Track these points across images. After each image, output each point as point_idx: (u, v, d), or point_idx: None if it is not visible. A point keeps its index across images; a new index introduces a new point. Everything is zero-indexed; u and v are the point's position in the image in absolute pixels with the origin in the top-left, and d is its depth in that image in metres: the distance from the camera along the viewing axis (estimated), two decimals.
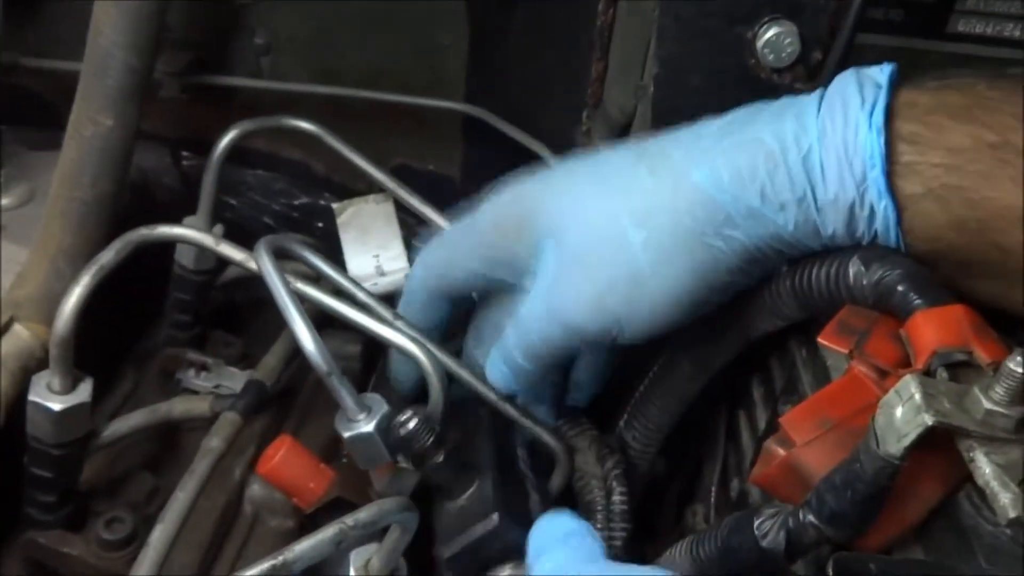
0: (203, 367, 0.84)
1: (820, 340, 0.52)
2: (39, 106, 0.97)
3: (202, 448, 0.60)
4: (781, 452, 0.50)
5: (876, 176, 0.50)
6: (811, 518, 0.47)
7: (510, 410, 0.66)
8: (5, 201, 0.80)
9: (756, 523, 0.48)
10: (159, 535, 0.53)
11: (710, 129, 0.58)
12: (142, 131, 0.72)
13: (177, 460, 0.81)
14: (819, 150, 0.51)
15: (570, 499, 0.73)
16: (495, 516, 0.58)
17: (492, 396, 0.65)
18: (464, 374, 0.64)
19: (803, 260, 0.59)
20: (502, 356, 0.65)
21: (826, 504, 0.46)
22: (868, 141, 0.49)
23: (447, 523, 0.60)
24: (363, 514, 0.47)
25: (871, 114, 0.50)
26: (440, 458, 0.57)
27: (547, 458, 0.72)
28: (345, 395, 0.53)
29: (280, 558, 0.43)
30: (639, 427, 0.74)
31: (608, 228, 0.57)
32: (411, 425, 0.56)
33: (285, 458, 0.66)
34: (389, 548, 0.53)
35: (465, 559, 0.57)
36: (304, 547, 0.44)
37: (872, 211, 0.51)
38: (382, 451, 0.56)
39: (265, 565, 0.43)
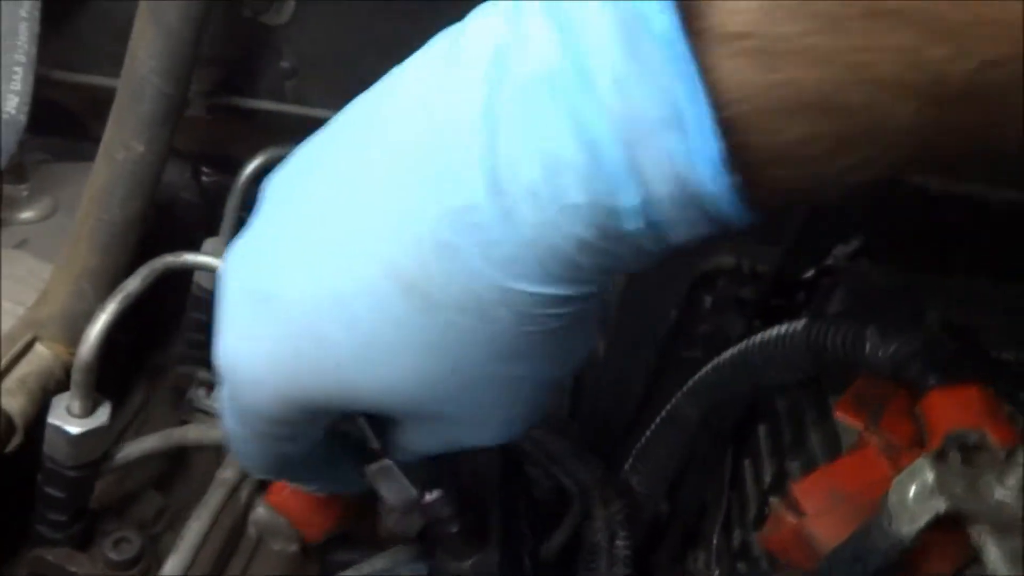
0: (214, 387, 0.85)
1: (837, 414, 0.53)
2: (65, 117, 0.98)
3: (216, 479, 0.60)
4: (791, 520, 0.51)
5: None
6: None
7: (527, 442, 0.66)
8: (29, 215, 0.80)
9: None
10: (172, 566, 0.54)
11: None
12: None
13: (185, 480, 0.82)
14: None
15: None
16: None
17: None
18: None
19: (818, 321, 0.60)
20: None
21: None
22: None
23: None
24: (379, 561, 0.47)
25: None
26: (454, 528, 0.57)
27: (548, 508, 0.73)
28: (365, 427, 0.53)
29: None
30: (644, 472, 0.75)
31: None
32: (431, 497, 0.55)
33: (295, 490, 0.67)
34: None
35: None
36: None
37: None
38: (405, 485, 0.56)
39: None
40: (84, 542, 0.71)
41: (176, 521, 0.75)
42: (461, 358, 0.37)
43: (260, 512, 0.85)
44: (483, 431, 0.44)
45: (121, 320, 0.61)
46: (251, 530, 0.84)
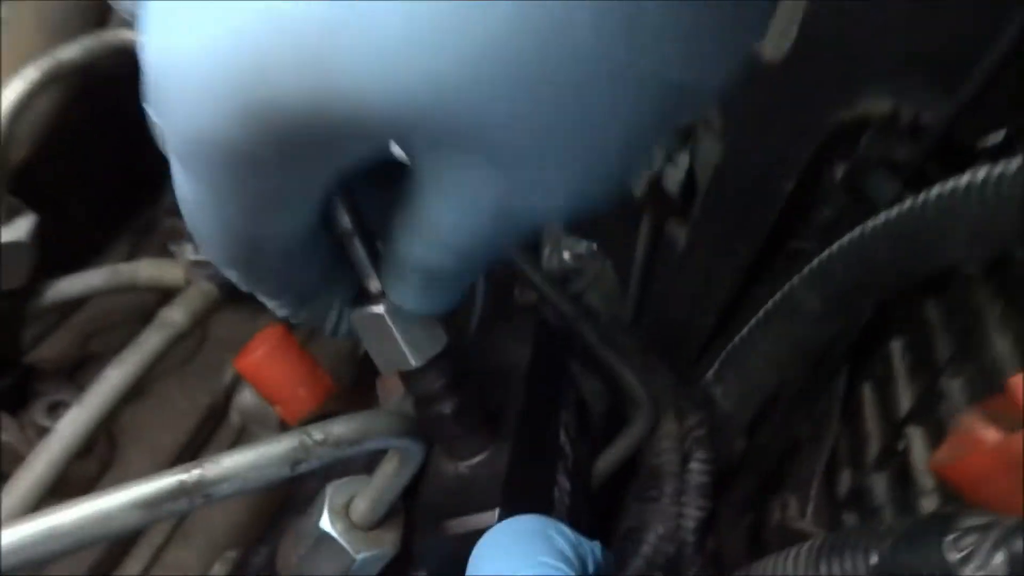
0: None
1: None
2: None
3: (158, 318, 0.44)
4: (995, 435, 0.32)
5: None
6: None
7: (588, 331, 0.48)
8: None
9: (948, 540, 0.30)
10: (70, 420, 0.38)
11: None
12: None
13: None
14: None
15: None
16: (496, 513, 0.40)
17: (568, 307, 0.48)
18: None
19: None
20: None
21: None
22: None
23: (439, 488, 0.43)
24: (339, 426, 0.31)
25: None
26: (448, 409, 0.40)
27: (599, 421, 0.55)
28: (363, 256, 0.35)
29: (194, 472, 0.27)
30: (734, 381, 0.56)
31: None
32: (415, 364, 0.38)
33: (271, 354, 0.51)
34: (381, 485, 0.37)
35: (445, 551, 0.40)
36: (235, 462, 0.28)
37: None
38: (398, 346, 0.39)
39: (171, 479, 0.27)
40: (15, 403, 0.56)
41: (136, 393, 0.60)
42: (551, 35, 0.22)
43: (246, 396, 0.70)
44: (544, 186, 0.27)
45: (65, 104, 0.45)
46: (233, 417, 0.69)
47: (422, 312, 0.33)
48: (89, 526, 0.25)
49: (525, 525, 0.34)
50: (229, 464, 0.28)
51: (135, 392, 0.44)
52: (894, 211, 0.45)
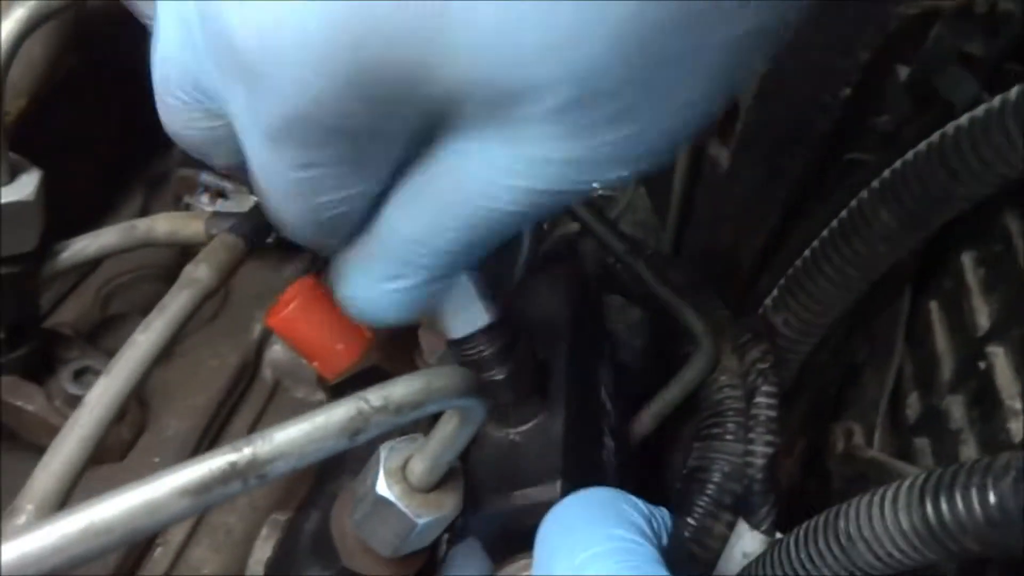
0: (219, 193, 0.67)
1: None
2: None
3: (183, 277, 0.41)
4: None
5: None
6: None
7: (642, 268, 0.45)
8: None
9: None
10: (100, 391, 0.35)
11: None
12: None
13: None
14: None
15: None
16: (558, 484, 0.38)
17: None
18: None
19: None
20: None
21: None
22: None
23: (489, 456, 0.41)
24: (398, 388, 0.27)
25: None
26: (501, 375, 0.38)
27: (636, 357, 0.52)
28: None
29: (245, 451, 0.24)
30: (798, 308, 0.52)
31: None
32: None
33: (304, 307, 0.48)
34: (439, 446, 0.34)
35: (502, 523, 0.38)
36: (288, 437, 0.25)
37: None
38: (478, 307, 0.36)
39: (220, 460, 0.24)
40: (37, 372, 0.54)
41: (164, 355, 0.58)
42: None
43: (277, 350, 0.67)
44: (659, 114, 0.25)
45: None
46: (267, 373, 0.67)
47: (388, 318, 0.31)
48: (134, 519, 0.22)
49: (595, 497, 0.32)
50: (282, 440, 0.25)
51: (163, 354, 0.42)
52: (980, 111, 0.41)
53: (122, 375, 0.37)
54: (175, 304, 0.40)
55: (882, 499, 0.35)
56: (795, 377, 0.66)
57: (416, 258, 0.30)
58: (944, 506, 0.31)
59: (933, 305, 0.57)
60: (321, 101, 0.25)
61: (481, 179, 0.27)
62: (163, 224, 0.49)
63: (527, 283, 0.49)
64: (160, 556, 0.53)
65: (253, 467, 0.24)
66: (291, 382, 0.67)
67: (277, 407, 0.65)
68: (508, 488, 0.39)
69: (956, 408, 0.51)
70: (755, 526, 0.48)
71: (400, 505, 0.36)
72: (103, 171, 0.75)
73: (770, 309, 0.54)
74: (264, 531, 0.52)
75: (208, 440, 0.60)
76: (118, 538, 0.22)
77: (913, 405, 0.57)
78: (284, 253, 0.75)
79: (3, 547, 0.21)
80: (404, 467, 0.37)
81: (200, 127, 0.31)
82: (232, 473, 0.24)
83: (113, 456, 0.57)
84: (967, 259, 0.54)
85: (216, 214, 0.49)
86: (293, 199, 0.29)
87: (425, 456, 0.36)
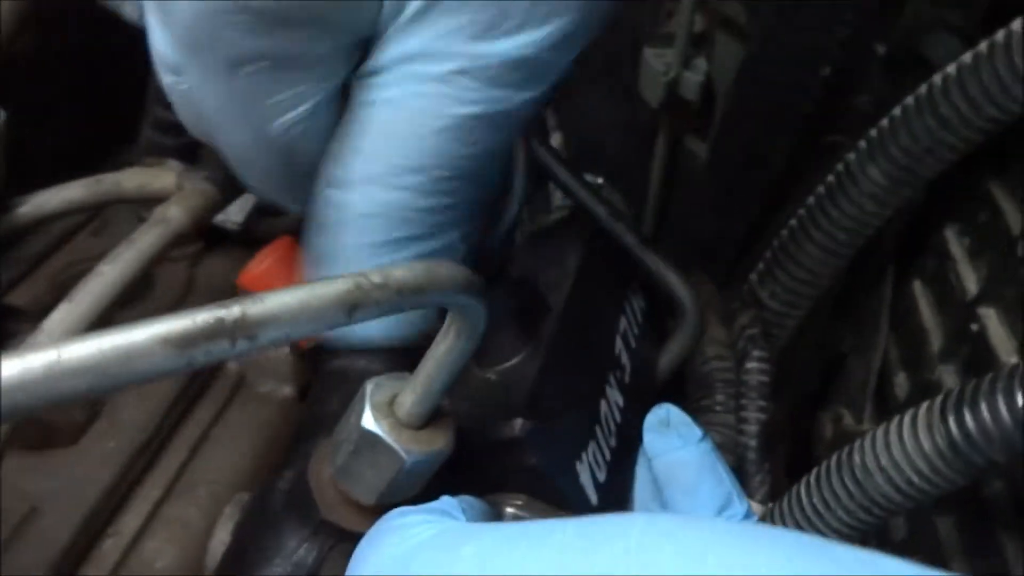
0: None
1: None
2: None
3: (154, 216, 0.38)
4: None
5: None
6: None
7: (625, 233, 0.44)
8: None
9: None
10: (61, 315, 0.32)
11: None
12: None
13: (151, 283, 0.61)
14: None
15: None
16: (519, 423, 0.37)
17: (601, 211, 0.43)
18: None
19: None
20: None
21: None
22: None
23: (461, 396, 0.39)
24: (401, 270, 0.25)
25: None
26: None
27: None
28: None
29: (233, 308, 0.22)
30: (784, 277, 0.51)
31: None
32: None
33: (280, 262, 0.45)
34: (430, 371, 0.32)
35: (463, 463, 0.36)
36: (281, 301, 0.23)
37: None
38: None
39: (207, 314, 0.22)
40: None
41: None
42: None
43: None
44: None
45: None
46: (231, 365, 0.63)
47: None
48: (108, 363, 0.19)
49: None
50: (274, 303, 0.23)
51: (126, 290, 0.38)
52: (967, 56, 0.41)
53: (84, 301, 0.34)
54: (143, 240, 0.38)
55: (899, 425, 0.33)
56: (776, 372, 0.65)
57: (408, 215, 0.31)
58: (968, 418, 0.30)
59: (916, 284, 0.56)
60: None
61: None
62: (132, 178, 0.47)
63: (540, 235, 0.47)
64: (110, 548, 0.49)
65: (242, 327, 0.22)
66: (256, 375, 0.64)
67: (242, 400, 0.62)
68: (479, 426, 0.37)
69: (948, 377, 0.50)
70: (749, 495, 0.46)
71: (388, 439, 0.33)
72: (66, 161, 0.72)
73: (755, 283, 0.53)
74: (227, 510, 0.49)
75: (167, 428, 0.56)
76: (87, 384, 0.19)
77: (902, 384, 0.56)
78: (248, 250, 0.73)
79: None
80: (392, 403, 0.35)
81: None
82: (219, 329, 0.21)
83: (64, 440, 0.53)
84: (950, 233, 0.54)
85: (188, 169, 0.46)
86: (231, 127, 0.30)
87: (416, 385, 0.33)
